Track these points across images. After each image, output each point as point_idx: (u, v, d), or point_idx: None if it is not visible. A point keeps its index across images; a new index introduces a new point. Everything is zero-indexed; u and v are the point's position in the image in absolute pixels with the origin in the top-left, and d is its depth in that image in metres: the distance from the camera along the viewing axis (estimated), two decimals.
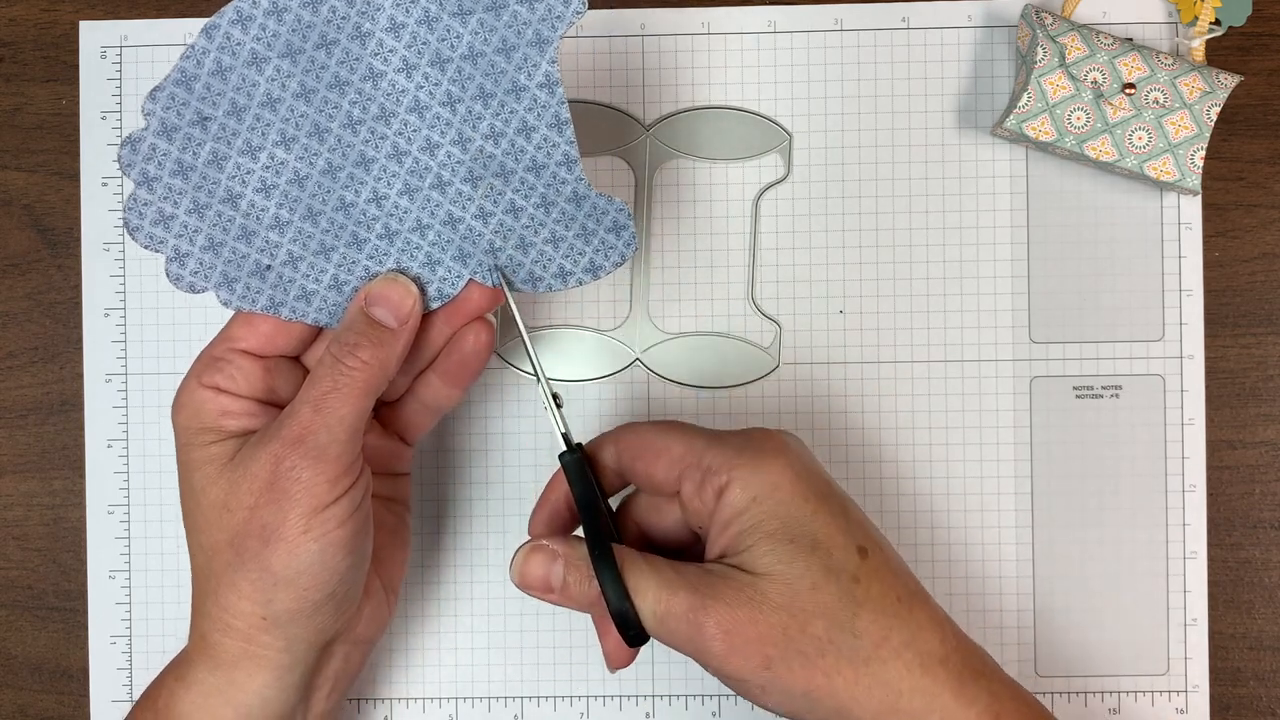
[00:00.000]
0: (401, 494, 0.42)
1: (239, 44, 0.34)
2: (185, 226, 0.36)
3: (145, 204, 0.35)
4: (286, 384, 0.38)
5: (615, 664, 0.38)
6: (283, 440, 0.34)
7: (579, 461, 0.37)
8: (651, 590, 0.34)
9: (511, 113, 0.35)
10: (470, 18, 0.34)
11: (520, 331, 0.37)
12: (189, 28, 0.46)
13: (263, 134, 0.35)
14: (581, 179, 0.36)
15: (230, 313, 0.37)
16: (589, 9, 0.46)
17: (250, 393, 0.37)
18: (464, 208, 0.36)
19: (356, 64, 0.35)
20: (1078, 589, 0.45)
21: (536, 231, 0.37)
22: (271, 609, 0.35)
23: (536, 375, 0.37)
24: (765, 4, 0.46)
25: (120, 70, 0.46)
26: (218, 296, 0.36)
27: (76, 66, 0.47)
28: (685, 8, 0.46)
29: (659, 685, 0.46)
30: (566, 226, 0.37)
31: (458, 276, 0.37)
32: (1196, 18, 0.44)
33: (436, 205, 0.36)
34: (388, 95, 0.35)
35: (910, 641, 0.34)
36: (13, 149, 0.47)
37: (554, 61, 0.35)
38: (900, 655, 0.34)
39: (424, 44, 0.34)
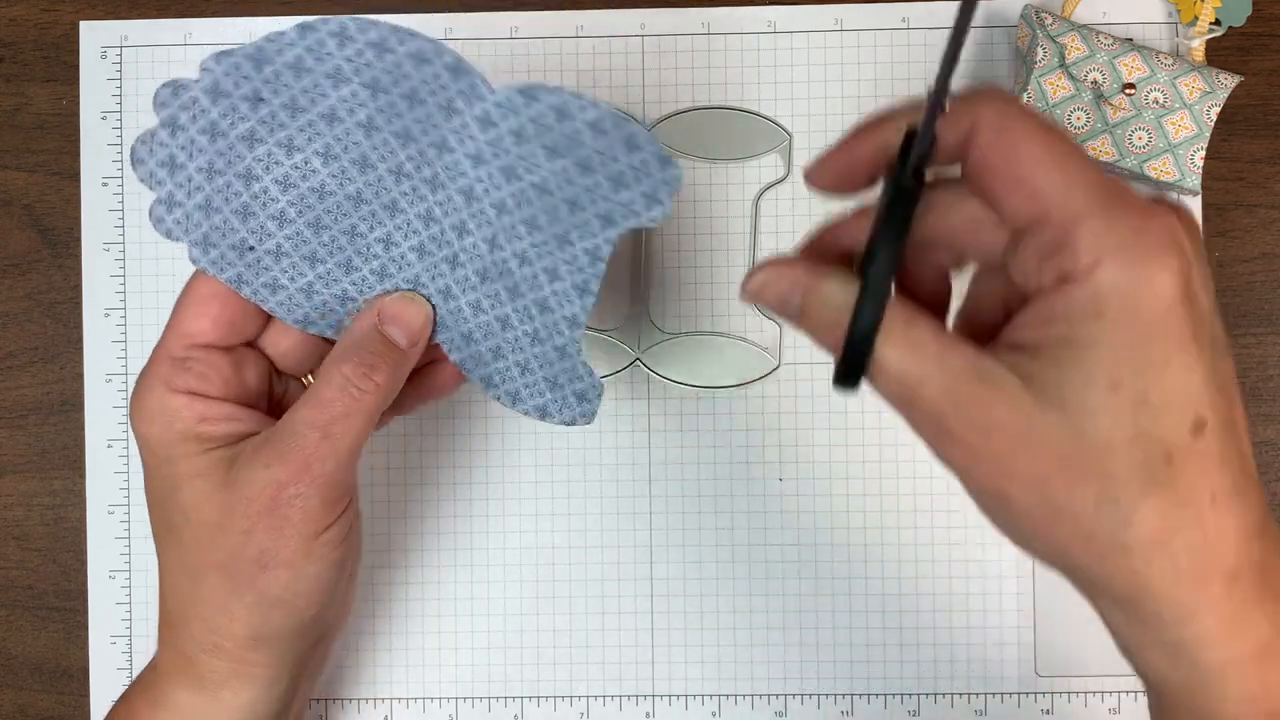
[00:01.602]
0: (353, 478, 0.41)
1: (328, 54, 0.33)
2: (189, 180, 0.35)
3: (161, 145, 0.35)
4: (255, 374, 0.36)
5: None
6: (287, 466, 0.33)
7: (913, 197, 0.27)
8: (900, 365, 0.27)
9: (549, 253, 0.34)
10: (560, 160, 0.32)
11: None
12: (189, 28, 0.46)
13: (309, 139, 0.34)
14: (576, 341, 0.35)
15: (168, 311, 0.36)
16: (589, 9, 0.46)
17: (225, 393, 0.34)
18: (463, 291, 0.35)
19: (432, 130, 0.33)
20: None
21: (514, 351, 0.36)
22: (265, 630, 0.34)
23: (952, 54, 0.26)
24: (765, 4, 0.46)
25: (120, 70, 0.46)
26: (190, 253, 0.35)
27: (76, 66, 0.47)
28: (685, 8, 0.46)
29: (659, 685, 0.46)
30: (541, 366, 0.36)
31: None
32: (1196, 18, 0.44)
33: (439, 275, 0.35)
34: (447, 169, 0.34)
35: (1198, 548, 0.26)
36: (13, 149, 0.47)
37: (610, 241, 0.33)
38: (1175, 560, 0.26)
39: (504, 152, 0.33)
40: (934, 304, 0.31)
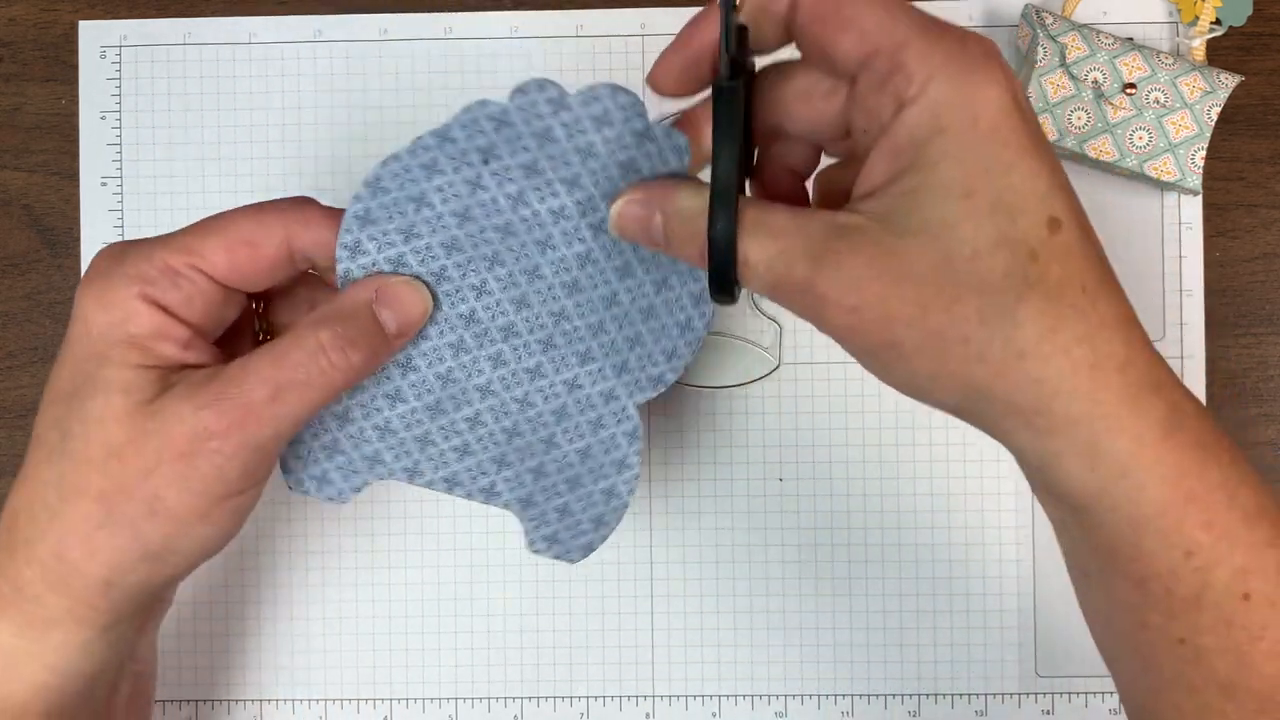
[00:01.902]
0: None
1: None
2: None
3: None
4: (231, 313, 0.33)
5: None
6: (220, 415, 0.29)
7: (740, 96, 0.28)
8: (766, 255, 0.27)
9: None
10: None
11: None
12: (188, 27, 0.46)
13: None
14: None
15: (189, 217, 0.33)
16: (589, 9, 0.46)
17: (198, 320, 0.31)
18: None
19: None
20: None
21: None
22: (124, 579, 0.30)
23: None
24: None
25: (120, 70, 0.46)
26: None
27: (76, 66, 0.47)
28: (685, 7, 0.46)
29: (659, 685, 0.46)
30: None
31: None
32: (1197, 17, 0.44)
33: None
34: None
35: (1085, 338, 0.26)
36: (12, 149, 0.47)
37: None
38: (1068, 352, 0.26)
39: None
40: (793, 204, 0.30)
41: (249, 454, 0.30)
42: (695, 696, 0.46)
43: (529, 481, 0.35)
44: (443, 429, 0.34)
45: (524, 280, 0.33)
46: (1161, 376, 0.27)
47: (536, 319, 0.33)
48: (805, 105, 0.29)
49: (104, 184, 0.46)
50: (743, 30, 0.28)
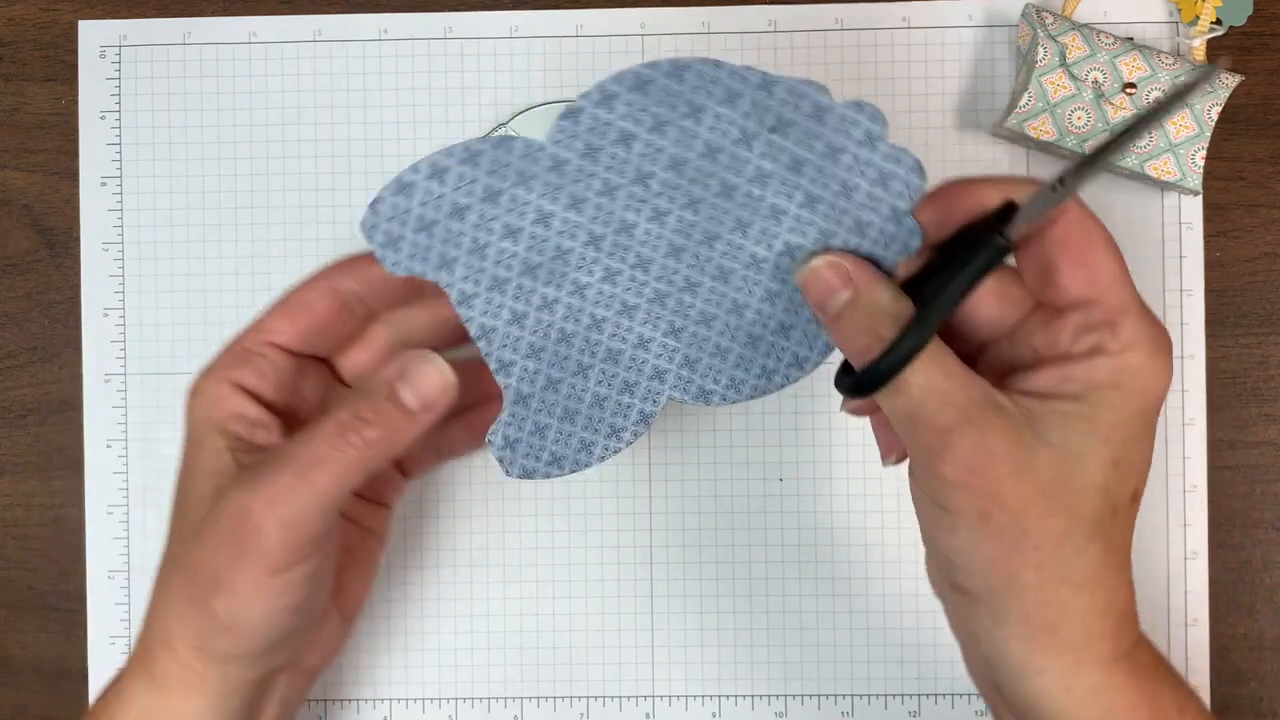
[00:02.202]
0: (379, 526, 0.40)
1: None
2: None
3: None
4: (313, 389, 0.36)
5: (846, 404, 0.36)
6: (259, 495, 0.31)
7: (1003, 256, 0.31)
8: (928, 379, 0.30)
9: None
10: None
11: None
12: (188, 27, 0.46)
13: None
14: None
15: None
16: (589, 9, 0.46)
17: (275, 393, 0.34)
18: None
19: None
20: None
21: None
22: (210, 647, 0.33)
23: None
24: (766, 3, 0.46)
25: (120, 70, 0.46)
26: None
27: (76, 66, 0.46)
28: (686, 7, 0.46)
29: (659, 685, 0.46)
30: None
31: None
32: (1197, 17, 0.44)
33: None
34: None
35: (1114, 588, 0.31)
36: (12, 149, 0.47)
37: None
38: (1105, 596, 0.31)
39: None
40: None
41: (283, 531, 0.32)
42: (695, 696, 0.46)
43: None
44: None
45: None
46: (1134, 619, 0.32)
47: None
48: (993, 298, 0.33)
49: (104, 184, 0.46)
50: (1014, 208, 0.31)
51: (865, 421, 0.46)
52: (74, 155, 0.47)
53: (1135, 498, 0.31)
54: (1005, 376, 0.32)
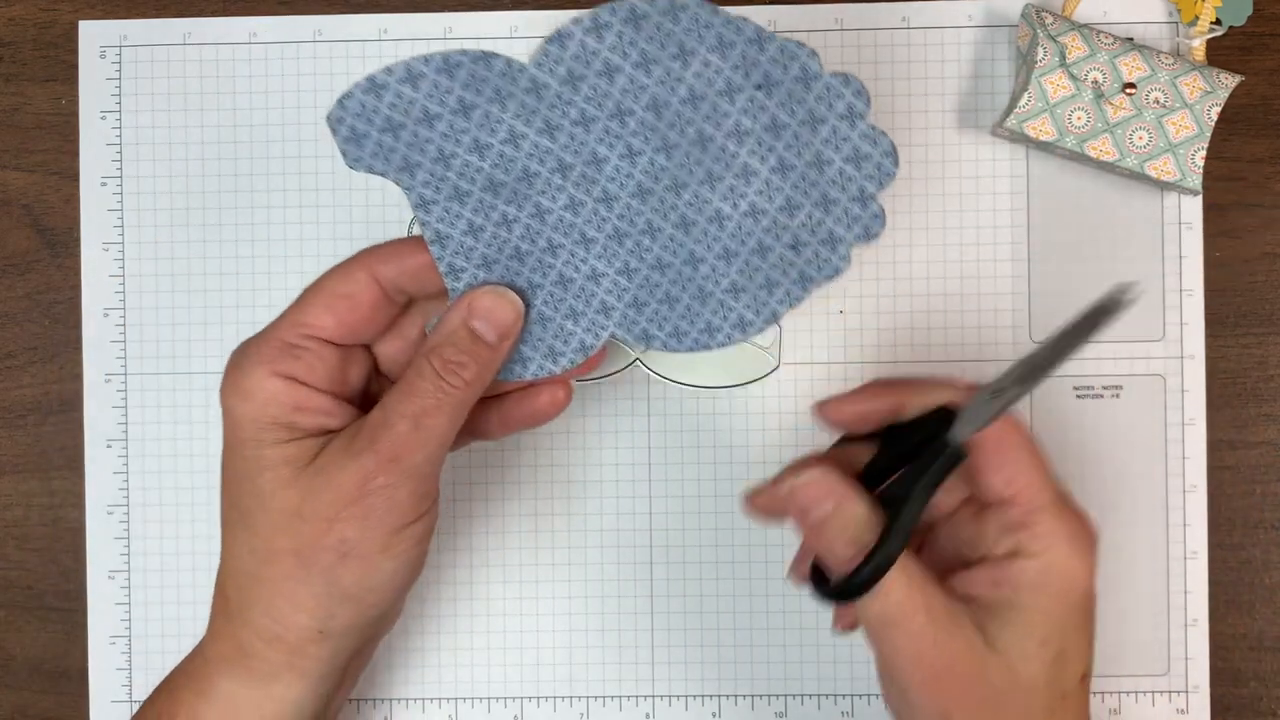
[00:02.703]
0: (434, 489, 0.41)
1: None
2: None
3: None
4: (359, 373, 0.36)
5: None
6: (378, 456, 0.32)
7: (958, 462, 0.34)
8: (900, 593, 0.33)
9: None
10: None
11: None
12: (188, 27, 0.46)
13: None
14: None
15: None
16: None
17: (327, 386, 0.34)
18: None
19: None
20: None
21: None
22: (330, 624, 0.34)
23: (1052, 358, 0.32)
24: (765, 3, 0.46)
25: (120, 70, 0.46)
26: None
27: (76, 66, 0.47)
28: None
29: (659, 685, 0.46)
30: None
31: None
32: (1197, 17, 0.44)
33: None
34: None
35: None
36: (12, 149, 0.47)
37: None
38: None
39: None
40: None
41: (412, 481, 0.33)
42: (695, 696, 0.46)
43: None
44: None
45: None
46: None
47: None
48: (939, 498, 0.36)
49: (104, 184, 0.46)
50: (954, 413, 0.34)
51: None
52: (74, 155, 0.47)
53: (1084, 678, 0.34)
54: (948, 572, 0.35)
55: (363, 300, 0.35)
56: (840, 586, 0.33)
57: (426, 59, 0.33)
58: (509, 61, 0.33)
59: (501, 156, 0.34)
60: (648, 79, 0.34)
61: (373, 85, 0.34)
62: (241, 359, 0.34)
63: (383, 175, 0.34)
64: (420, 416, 0.33)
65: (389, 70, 0.33)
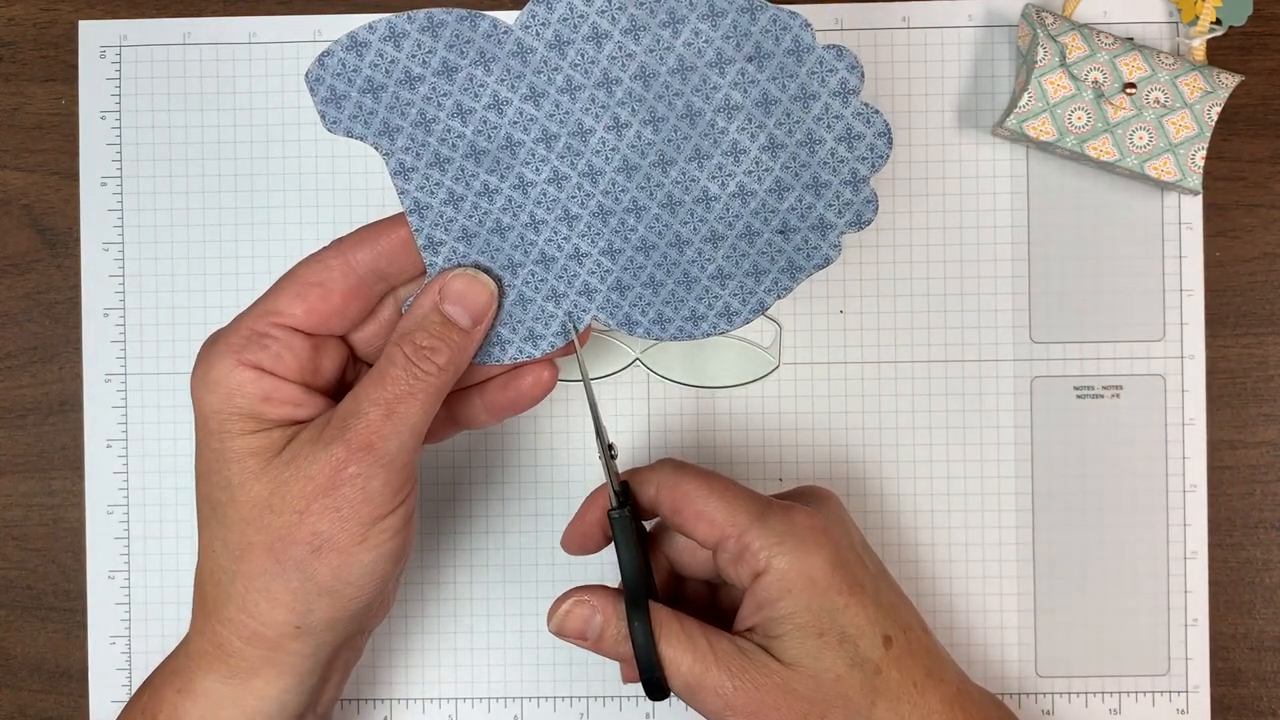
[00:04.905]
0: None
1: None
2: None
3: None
4: (331, 363, 0.35)
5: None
6: (349, 445, 0.32)
7: (628, 520, 0.36)
8: (685, 663, 0.34)
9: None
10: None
11: (586, 386, 0.36)
12: (188, 27, 0.46)
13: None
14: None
15: (266, 285, 0.34)
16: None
17: (297, 376, 0.33)
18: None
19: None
20: (1078, 589, 0.45)
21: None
22: (309, 619, 0.33)
23: (596, 427, 0.35)
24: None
25: (120, 70, 0.46)
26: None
27: (76, 66, 0.47)
28: None
29: None
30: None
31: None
32: (1197, 17, 0.44)
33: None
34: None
35: (920, 707, 0.35)
36: (12, 149, 0.47)
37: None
38: None
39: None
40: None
41: (385, 471, 0.32)
42: None
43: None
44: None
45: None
46: (966, 694, 0.37)
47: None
48: (689, 557, 0.38)
49: (104, 184, 0.46)
50: (625, 483, 0.36)
51: (864, 422, 0.46)
52: (74, 155, 0.47)
53: (888, 641, 0.35)
54: (732, 614, 0.37)
55: (335, 288, 0.34)
56: (649, 690, 0.35)
57: (410, 16, 0.32)
58: (494, 22, 0.33)
59: (484, 123, 0.33)
60: (636, 46, 0.33)
61: (354, 43, 0.33)
62: (209, 349, 0.33)
63: (361, 139, 0.34)
64: (393, 404, 0.32)
65: (371, 27, 0.32)
